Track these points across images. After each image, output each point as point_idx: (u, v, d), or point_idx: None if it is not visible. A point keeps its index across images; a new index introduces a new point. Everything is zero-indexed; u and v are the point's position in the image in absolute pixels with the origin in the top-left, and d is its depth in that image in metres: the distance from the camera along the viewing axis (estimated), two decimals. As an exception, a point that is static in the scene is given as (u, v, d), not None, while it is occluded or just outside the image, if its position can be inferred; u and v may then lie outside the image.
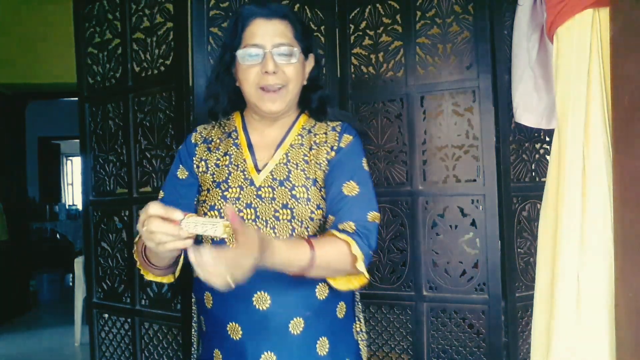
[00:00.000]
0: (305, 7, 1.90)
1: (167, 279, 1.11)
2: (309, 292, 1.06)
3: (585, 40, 1.22)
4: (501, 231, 1.76)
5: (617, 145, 1.11)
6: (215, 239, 1.04)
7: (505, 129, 1.78)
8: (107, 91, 2.01)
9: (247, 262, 0.81)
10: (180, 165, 1.15)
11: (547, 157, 1.69)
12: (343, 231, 1.01)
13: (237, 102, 1.16)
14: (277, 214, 1.04)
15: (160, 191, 1.16)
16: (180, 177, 1.14)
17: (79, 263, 3.84)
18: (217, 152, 1.14)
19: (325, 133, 1.14)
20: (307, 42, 1.12)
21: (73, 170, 8.80)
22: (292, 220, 1.04)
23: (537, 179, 1.85)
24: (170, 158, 1.82)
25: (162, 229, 0.81)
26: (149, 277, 1.09)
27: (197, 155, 1.14)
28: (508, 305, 1.77)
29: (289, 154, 1.11)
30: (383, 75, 1.94)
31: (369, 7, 1.93)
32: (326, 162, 1.10)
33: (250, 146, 1.13)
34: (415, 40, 1.87)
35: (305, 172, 1.09)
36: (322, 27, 1.95)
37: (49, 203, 6.54)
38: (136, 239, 1.08)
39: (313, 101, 1.16)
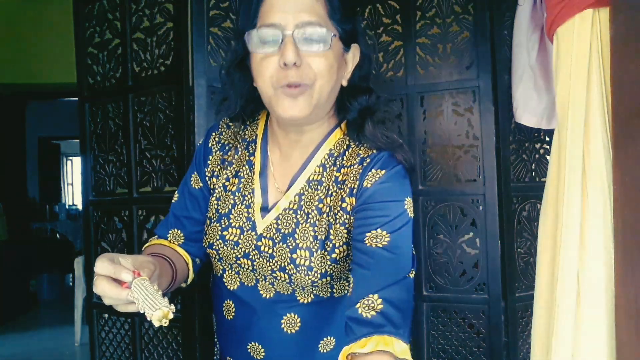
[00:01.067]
0: (305, 7, 1.90)
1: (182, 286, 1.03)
2: (309, 347, 0.93)
3: (585, 40, 1.22)
4: (501, 231, 1.76)
5: (617, 145, 1.11)
6: (226, 160, 0.93)
7: (505, 129, 1.78)
8: (107, 91, 2.01)
9: None
10: (195, 172, 1.00)
11: (547, 157, 1.69)
12: (363, 333, 0.74)
13: (259, 100, 0.89)
14: (274, 275, 0.88)
15: (175, 193, 1.06)
16: (194, 187, 1.00)
17: (79, 263, 3.84)
18: (229, 168, 0.94)
19: (351, 166, 0.87)
20: (348, 25, 0.82)
21: (73, 170, 8.81)
22: (292, 284, 0.88)
23: (537, 179, 1.85)
24: (170, 158, 1.83)
25: (109, 292, 0.70)
26: None
27: (209, 167, 0.97)
28: (508, 305, 1.77)
29: (302, 196, 0.88)
30: (383, 75, 1.93)
31: (369, 7, 1.93)
32: (343, 214, 0.86)
33: (263, 171, 0.91)
34: (415, 40, 1.87)
35: (315, 229, 0.86)
36: (322, 27, 1.94)
37: (49, 203, 6.54)
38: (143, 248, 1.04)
39: (351, 110, 0.88)
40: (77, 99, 2.12)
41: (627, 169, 1.07)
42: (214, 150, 0.97)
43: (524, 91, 1.67)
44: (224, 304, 0.98)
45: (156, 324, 0.68)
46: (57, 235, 6.19)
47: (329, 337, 0.92)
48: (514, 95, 1.71)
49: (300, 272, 0.85)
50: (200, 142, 1.02)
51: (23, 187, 5.23)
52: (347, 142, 0.90)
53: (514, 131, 1.81)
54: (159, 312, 0.68)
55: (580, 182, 1.21)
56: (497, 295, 1.77)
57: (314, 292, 0.89)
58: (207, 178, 0.97)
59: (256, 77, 0.83)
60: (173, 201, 1.04)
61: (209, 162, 0.97)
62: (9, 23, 4.09)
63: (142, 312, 0.71)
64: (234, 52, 0.88)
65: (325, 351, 0.93)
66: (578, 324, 1.19)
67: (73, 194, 8.71)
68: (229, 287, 0.94)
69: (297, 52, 0.76)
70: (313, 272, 0.85)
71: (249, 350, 0.95)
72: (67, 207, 7.00)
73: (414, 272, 0.82)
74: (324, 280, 0.86)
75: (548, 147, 1.78)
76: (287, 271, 0.87)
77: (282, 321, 0.91)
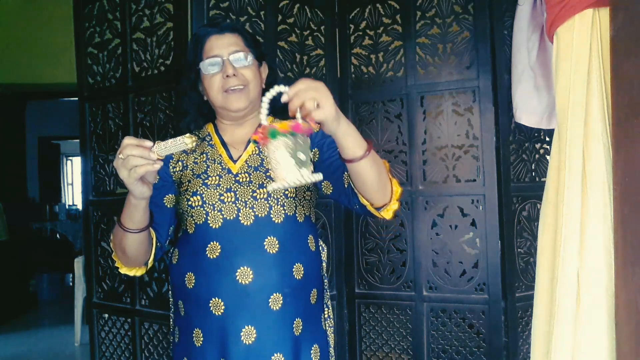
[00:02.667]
0: (305, 7, 1.90)
1: (140, 271, 1.19)
2: (287, 270, 1.13)
3: (585, 40, 1.22)
4: (501, 231, 1.77)
5: (617, 145, 1.11)
6: (188, 152, 1.21)
7: (505, 129, 1.78)
8: (107, 91, 2.01)
9: (328, 94, 0.90)
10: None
11: (547, 157, 1.69)
12: None
13: (207, 115, 1.27)
14: (254, 194, 1.15)
15: None
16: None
17: (79, 263, 3.84)
18: (193, 153, 1.24)
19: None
20: (258, 50, 1.25)
21: (73, 170, 8.80)
22: (269, 199, 1.14)
23: (537, 179, 1.85)
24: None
25: (136, 152, 0.93)
26: (123, 269, 1.17)
27: (173, 159, 1.23)
28: (508, 305, 1.77)
29: (259, 146, 1.21)
30: (383, 75, 1.94)
31: (369, 7, 1.93)
32: None
33: (224, 144, 1.24)
34: (415, 40, 1.87)
35: None
36: (322, 27, 1.95)
37: (49, 203, 6.54)
38: (112, 233, 1.16)
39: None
40: (77, 99, 2.12)
41: (627, 169, 1.07)
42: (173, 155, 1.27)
43: (523, 91, 1.67)
44: (207, 247, 1.14)
45: (192, 144, 0.92)
46: (57, 235, 6.18)
47: (299, 264, 1.15)
48: (513, 95, 1.71)
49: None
50: None
51: (23, 187, 5.22)
52: (278, 120, 1.21)
53: (514, 131, 1.81)
54: (185, 137, 0.91)
55: (580, 182, 1.21)
56: (497, 295, 1.77)
57: (285, 209, 1.15)
58: (170, 168, 1.22)
59: (208, 90, 1.20)
60: None
61: (172, 155, 1.23)
62: (9, 23, 4.09)
63: (173, 152, 0.93)
64: (189, 79, 1.23)
65: (299, 277, 1.15)
66: (578, 324, 1.19)
67: (73, 194, 8.70)
68: (212, 226, 1.14)
69: (233, 67, 1.17)
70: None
71: (211, 308, 1.12)
72: (67, 207, 6.99)
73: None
74: (291, 190, 1.16)
75: (548, 147, 1.78)
76: (265, 186, 1.15)
77: (264, 243, 1.12)
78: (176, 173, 1.22)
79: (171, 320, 1.26)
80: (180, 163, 1.23)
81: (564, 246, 1.22)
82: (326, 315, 1.25)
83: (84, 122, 2.08)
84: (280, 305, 1.12)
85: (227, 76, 1.17)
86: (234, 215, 1.14)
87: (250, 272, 1.11)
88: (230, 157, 1.21)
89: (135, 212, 1.05)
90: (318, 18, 1.93)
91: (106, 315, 2.04)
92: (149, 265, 1.20)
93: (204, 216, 1.15)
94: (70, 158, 8.70)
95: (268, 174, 1.17)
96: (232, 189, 1.16)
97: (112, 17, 1.98)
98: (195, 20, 1.71)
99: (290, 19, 1.88)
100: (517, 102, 1.69)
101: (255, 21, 1.81)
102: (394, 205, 1.08)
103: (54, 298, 5.39)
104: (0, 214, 4.50)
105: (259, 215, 1.14)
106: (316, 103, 0.89)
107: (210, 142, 1.26)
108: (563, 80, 1.27)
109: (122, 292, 1.97)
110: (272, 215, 1.14)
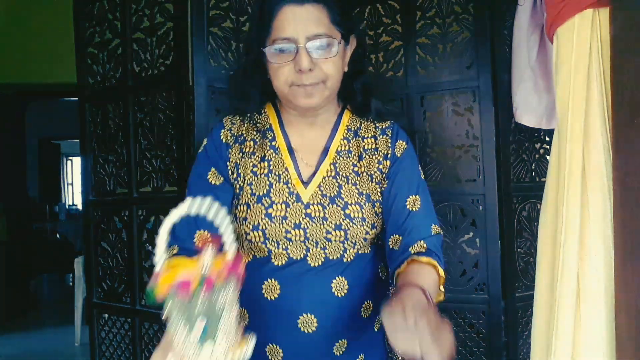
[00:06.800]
0: (305, 7, 1.90)
1: None
2: (355, 312, 0.99)
3: (585, 40, 1.22)
4: (501, 231, 1.76)
5: (617, 145, 1.11)
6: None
7: (505, 129, 1.78)
8: (107, 91, 2.01)
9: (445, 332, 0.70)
10: (212, 169, 1.00)
11: (547, 157, 1.69)
12: (419, 254, 0.95)
13: (268, 93, 1.03)
14: (329, 236, 0.96)
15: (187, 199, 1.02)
16: (214, 183, 1.00)
17: (79, 263, 3.84)
18: (252, 157, 1.00)
19: (375, 137, 1.03)
20: (347, 25, 0.96)
21: (73, 170, 8.81)
22: (345, 242, 0.97)
23: (537, 179, 1.85)
24: (170, 158, 1.82)
25: None
26: None
27: (230, 160, 1.00)
28: (508, 305, 1.77)
29: (336, 164, 1.00)
30: (383, 75, 1.94)
31: (369, 7, 1.93)
32: (379, 174, 1.01)
33: (291, 151, 1.00)
34: (415, 40, 1.87)
35: (358, 187, 1.00)
36: (322, 27, 1.95)
37: (49, 203, 6.54)
38: None
39: (356, 93, 1.04)
40: (77, 99, 2.12)
41: (627, 169, 1.07)
42: (230, 144, 1.01)
43: (524, 91, 1.67)
44: (264, 285, 0.97)
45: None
46: (57, 235, 6.20)
47: (368, 302, 1.00)
48: (514, 95, 1.71)
49: (356, 223, 0.96)
50: (205, 142, 1.04)
51: (23, 187, 5.22)
52: (359, 121, 1.06)
53: (514, 131, 1.81)
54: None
55: (580, 182, 1.21)
56: (497, 295, 1.77)
57: (358, 249, 0.99)
58: (229, 172, 1.00)
59: (273, 78, 0.95)
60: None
61: (229, 155, 1.01)
62: (10, 23, 4.09)
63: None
64: (250, 57, 0.98)
65: (366, 316, 1.01)
66: (578, 324, 1.19)
67: (73, 194, 8.71)
68: (275, 263, 0.96)
69: (310, 59, 0.90)
70: (366, 223, 0.97)
71: (299, 325, 0.96)
72: (67, 207, 7.01)
73: (438, 227, 1.02)
74: (372, 232, 0.98)
75: (548, 147, 1.78)
76: (342, 227, 0.96)
77: (332, 285, 0.96)
78: (234, 182, 1.00)
79: None
80: (239, 170, 0.99)
81: (564, 246, 1.22)
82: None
83: (84, 122, 2.08)
84: (344, 349, 0.99)
85: (301, 70, 0.91)
86: (302, 256, 0.96)
87: (315, 320, 0.95)
88: (299, 176, 0.98)
89: None
90: (318, 18, 1.93)
91: (106, 316, 2.04)
92: None
93: (266, 252, 0.97)
94: (70, 158, 8.71)
95: (347, 211, 0.96)
96: (302, 226, 0.95)
97: (112, 17, 1.98)
98: (195, 20, 1.71)
99: (290, 19, 1.88)
100: (517, 102, 1.69)
101: (255, 21, 1.81)
102: (440, 297, 0.94)
103: (54, 298, 5.40)
104: (0, 214, 4.51)
105: (330, 257, 0.97)
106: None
107: (273, 143, 1.01)
108: (563, 80, 1.27)
109: (122, 292, 1.97)
110: (344, 257, 0.98)
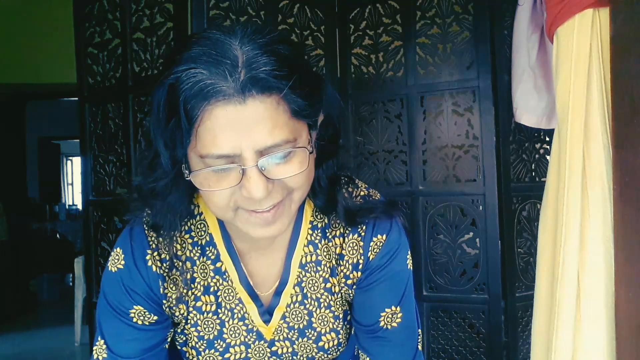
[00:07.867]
0: (305, 7, 1.90)
1: None
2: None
3: (585, 40, 1.22)
4: (501, 231, 1.76)
5: (617, 145, 1.11)
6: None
7: (505, 129, 1.78)
8: (107, 91, 2.01)
9: None
10: (138, 307, 0.72)
11: (547, 157, 1.69)
12: None
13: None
14: None
15: (101, 345, 0.74)
16: (141, 323, 0.73)
17: (79, 263, 3.84)
18: (192, 286, 0.74)
19: (343, 236, 0.75)
20: (316, 108, 0.63)
21: (73, 170, 8.80)
22: None
23: (537, 179, 1.85)
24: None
25: None
26: None
27: (167, 297, 0.73)
28: (508, 305, 1.77)
29: (302, 284, 0.75)
30: (383, 75, 1.94)
31: (369, 7, 1.93)
32: (348, 289, 0.77)
33: (241, 274, 0.74)
34: (415, 40, 1.87)
35: (332, 309, 0.77)
36: (322, 27, 1.95)
37: (49, 203, 6.54)
38: None
39: (319, 194, 0.72)
40: (77, 99, 2.12)
41: (627, 169, 1.07)
42: (162, 273, 0.73)
43: (524, 91, 1.67)
44: None
45: None
46: (57, 235, 6.19)
47: None
48: (514, 95, 1.71)
49: (332, 352, 0.80)
50: (121, 265, 0.73)
51: (23, 187, 5.22)
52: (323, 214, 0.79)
53: (514, 131, 1.81)
54: None
55: (580, 182, 1.21)
56: (497, 295, 1.77)
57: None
58: (165, 308, 0.75)
59: (206, 200, 0.64)
60: (100, 354, 0.75)
61: (165, 291, 0.73)
62: (9, 23, 4.09)
63: None
64: (163, 172, 0.64)
65: None
66: (578, 324, 1.19)
67: (73, 194, 8.71)
68: None
69: (265, 182, 0.58)
70: (342, 345, 0.80)
71: None
72: (67, 207, 6.99)
73: (420, 339, 0.81)
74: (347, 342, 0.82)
75: (548, 147, 1.78)
76: (316, 359, 0.79)
77: None
78: (174, 318, 0.76)
79: None
80: (178, 305, 0.74)
81: (564, 246, 1.22)
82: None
83: (84, 122, 2.07)
84: None
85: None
86: None
87: None
88: (258, 307, 0.75)
89: None
90: (318, 18, 1.93)
91: (106, 315, 2.04)
92: None
93: None
94: (70, 158, 8.70)
95: (321, 343, 0.77)
96: None
97: (112, 17, 1.98)
98: (195, 20, 1.71)
99: (290, 19, 1.88)
100: (517, 102, 1.69)
101: (255, 21, 1.81)
102: None
103: (54, 298, 5.39)
104: (0, 214, 4.51)
105: None
106: None
107: (217, 265, 0.74)
108: (563, 80, 1.27)
109: (122, 292, 1.97)
110: None
